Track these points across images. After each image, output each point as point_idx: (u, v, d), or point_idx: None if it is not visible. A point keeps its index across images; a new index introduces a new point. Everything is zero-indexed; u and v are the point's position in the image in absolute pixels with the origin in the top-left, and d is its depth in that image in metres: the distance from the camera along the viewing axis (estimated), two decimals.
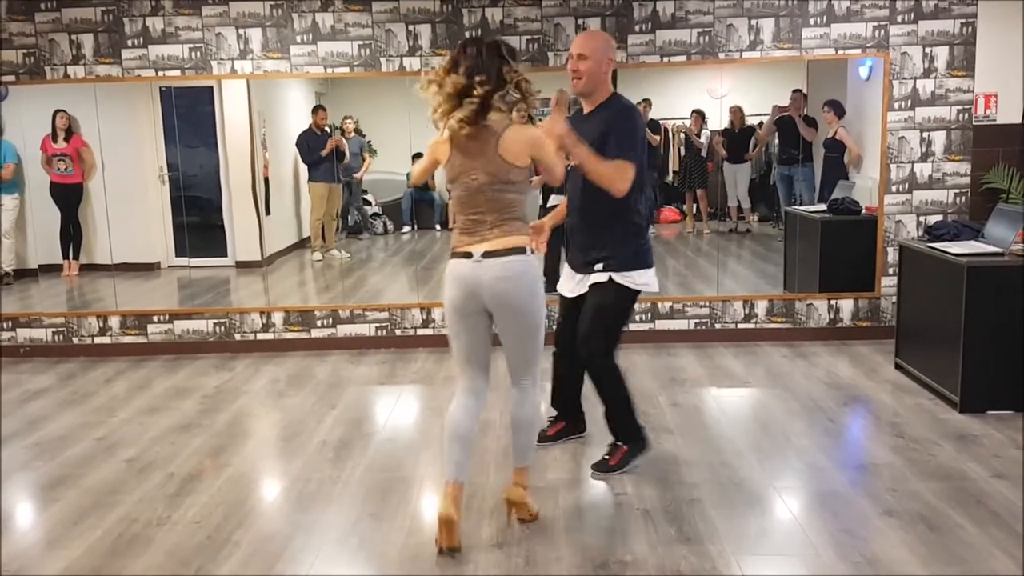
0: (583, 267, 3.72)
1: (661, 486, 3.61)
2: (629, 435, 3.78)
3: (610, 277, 3.60)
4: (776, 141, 6.88)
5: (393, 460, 4.01)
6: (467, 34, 5.78)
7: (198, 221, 6.96)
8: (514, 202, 3.09)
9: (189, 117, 6.66)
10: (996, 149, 5.74)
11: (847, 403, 4.67)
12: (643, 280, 3.65)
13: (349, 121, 7.15)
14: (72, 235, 6.68)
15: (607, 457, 3.76)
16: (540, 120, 7.07)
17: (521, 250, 3.06)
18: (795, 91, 6.43)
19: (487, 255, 3.04)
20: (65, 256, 6.68)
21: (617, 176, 3.41)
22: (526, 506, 3.30)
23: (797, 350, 5.77)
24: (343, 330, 6.12)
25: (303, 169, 7.10)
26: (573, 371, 3.90)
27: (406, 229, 7.94)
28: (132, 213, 6.60)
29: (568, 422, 4.10)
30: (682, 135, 7.14)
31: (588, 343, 3.64)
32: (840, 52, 5.73)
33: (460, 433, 3.13)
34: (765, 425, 4.34)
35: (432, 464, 3.95)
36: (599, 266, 3.62)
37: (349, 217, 7.70)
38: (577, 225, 3.74)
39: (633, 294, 3.65)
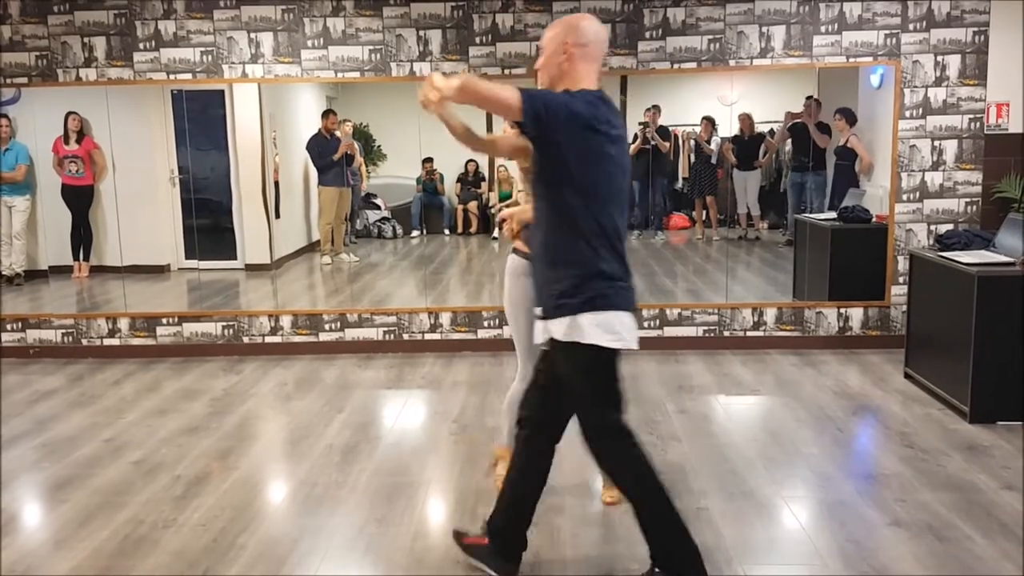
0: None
1: None
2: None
3: None
4: (788, 148, 6.87)
5: (400, 464, 4.01)
6: (477, 39, 5.80)
7: (208, 224, 6.98)
8: None
9: (200, 120, 6.68)
10: (1008, 158, 5.71)
11: (856, 412, 4.65)
12: None
13: (348, 124, 7.16)
14: (83, 237, 6.70)
15: None
16: None
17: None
18: (809, 98, 6.41)
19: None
20: (75, 258, 6.71)
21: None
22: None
23: (806, 358, 5.74)
24: (351, 334, 6.13)
25: (313, 173, 7.12)
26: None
27: (415, 233, 7.95)
28: (142, 215, 6.63)
29: None
30: (692, 142, 7.13)
31: None
32: (851, 60, 5.72)
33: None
34: (773, 434, 4.32)
35: (438, 468, 3.95)
36: None
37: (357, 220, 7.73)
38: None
39: None
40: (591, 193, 2.58)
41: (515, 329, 3.43)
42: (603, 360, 2.67)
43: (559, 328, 2.64)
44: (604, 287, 2.62)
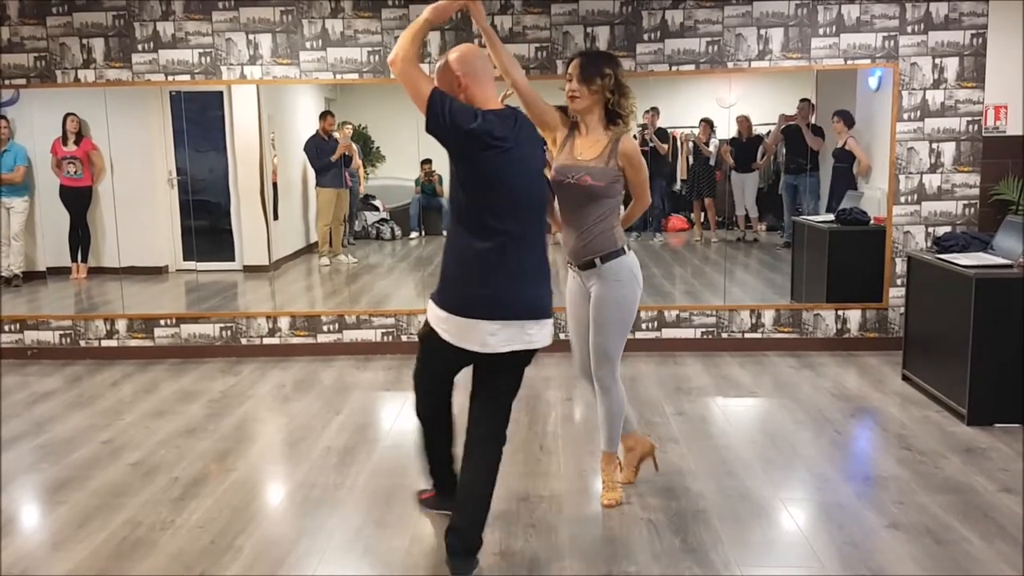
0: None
1: (666, 496, 3.60)
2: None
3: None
4: (783, 150, 6.88)
5: (398, 467, 4.00)
6: (475, 41, 5.79)
7: (206, 225, 6.97)
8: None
9: (198, 121, 6.68)
10: (1005, 161, 5.72)
11: (854, 414, 4.66)
12: None
13: (348, 127, 7.15)
14: (81, 238, 6.70)
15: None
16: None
17: None
18: (802, 100, 6.42)
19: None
20: (73, 259, 6.71)
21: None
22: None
23: (804, 360, 5.75)
24: (349, 335, 6.13)
25: (311, 174, 7.12)
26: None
27: (414, 235, 7.95)
28: (140, 217, 6.63)
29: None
30: (690, 144, 7.15)
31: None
32: (849, 62, 5.73)
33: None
34: (771, 436, 4.32)
35: None
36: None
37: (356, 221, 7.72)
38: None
39: None
40: (479, 201, 2.83)
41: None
42: (436, 340, 2.91)
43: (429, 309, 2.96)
44: (462, 289, 2.88)
